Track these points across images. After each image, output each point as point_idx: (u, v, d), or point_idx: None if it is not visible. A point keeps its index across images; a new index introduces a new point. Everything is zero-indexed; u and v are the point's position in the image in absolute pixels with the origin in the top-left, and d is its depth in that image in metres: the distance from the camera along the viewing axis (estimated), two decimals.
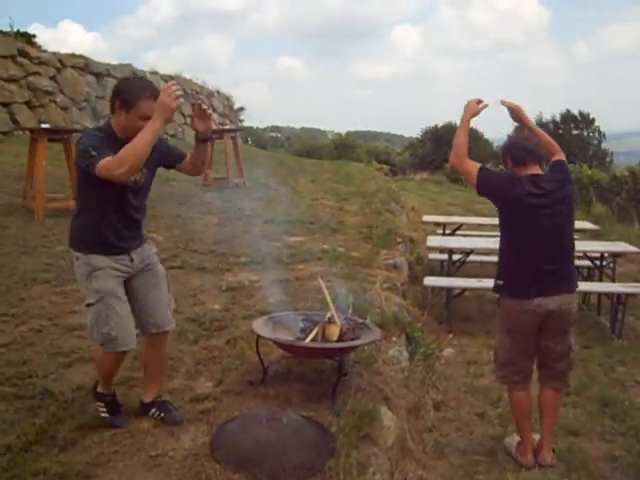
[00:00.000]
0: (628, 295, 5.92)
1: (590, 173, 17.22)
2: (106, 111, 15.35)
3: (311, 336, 3.33)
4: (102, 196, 2.70)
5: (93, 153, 2.53)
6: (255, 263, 5.80)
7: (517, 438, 3.58)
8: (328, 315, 3.43)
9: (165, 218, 7.25)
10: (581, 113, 35.94)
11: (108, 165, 2.50)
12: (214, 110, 21.33)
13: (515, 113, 3.48)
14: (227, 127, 12.50)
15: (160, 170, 2.92)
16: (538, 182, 3.25)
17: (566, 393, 4.49)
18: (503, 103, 3.48)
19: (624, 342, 5.66)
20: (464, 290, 5.94)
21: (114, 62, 16.34)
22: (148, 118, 2.52)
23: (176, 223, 7.11)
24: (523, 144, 3.35)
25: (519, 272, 3.34)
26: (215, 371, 3.56)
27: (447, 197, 22.82)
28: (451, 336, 5.76)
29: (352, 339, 3.34)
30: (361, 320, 3.63)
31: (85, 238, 2.79)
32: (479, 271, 6.82)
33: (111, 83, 15.55)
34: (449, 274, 6.65)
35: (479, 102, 3.43)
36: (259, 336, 3.33)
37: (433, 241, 6.71)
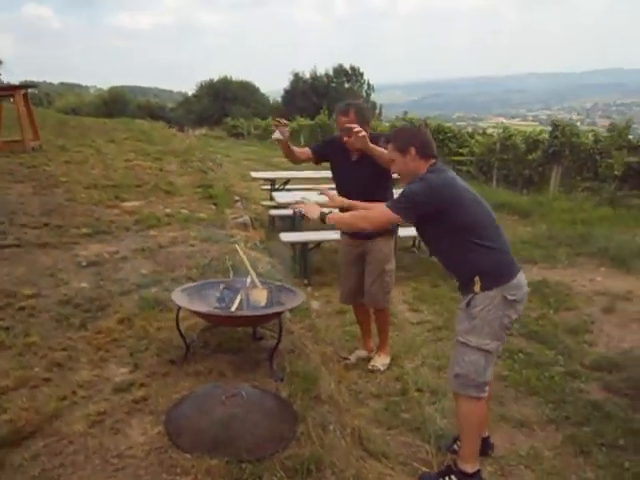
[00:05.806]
0: None
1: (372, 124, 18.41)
2: None
3: (236, 304, 3.14)
4: None
5: None
6: (101, 233, 5.32)
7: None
8: (249, 280, 3.26)
9: None
10: (352, 67, 38.16)
11: None
12: None
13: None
14: (17, 84, 10.82)
15: None
16: None
17: (438, 328, 4.87)
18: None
19: None
20: (319, 243, 6.05)
21: None
22: None
23: None
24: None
25: None
26: (123, 355, 3.20)
27: (239, 152, 22.86)
28: (309, 289, 5.86)
29: (279, 302, 3.22)
30: (278, 283, 3.52)
31: None
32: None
33: None
34: (292, 229, 6.71)
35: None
36: (180, 309, 3.06)
37: (279, 197, 6.67)
